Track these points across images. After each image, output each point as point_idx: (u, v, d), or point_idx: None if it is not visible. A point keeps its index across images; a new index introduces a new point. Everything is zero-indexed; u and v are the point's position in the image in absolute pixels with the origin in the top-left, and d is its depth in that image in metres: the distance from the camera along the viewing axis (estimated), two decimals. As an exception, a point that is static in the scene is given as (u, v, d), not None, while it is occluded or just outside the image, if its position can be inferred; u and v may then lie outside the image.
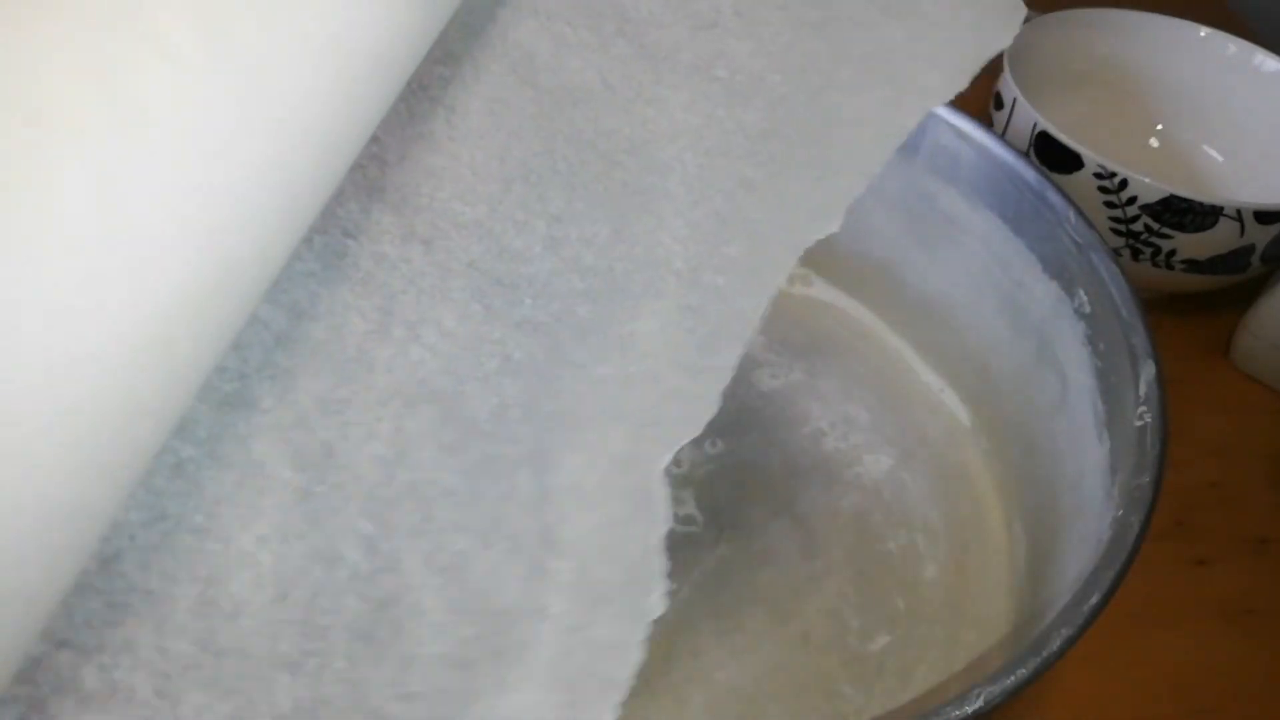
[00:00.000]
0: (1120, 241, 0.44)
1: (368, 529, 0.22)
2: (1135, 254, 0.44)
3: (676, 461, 0.38)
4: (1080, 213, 0.36)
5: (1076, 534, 0.32)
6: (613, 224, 0.27)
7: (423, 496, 0.22)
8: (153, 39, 0.18)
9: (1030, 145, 0.45)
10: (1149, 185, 0.42)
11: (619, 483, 0.23)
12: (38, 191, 0.16)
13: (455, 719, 0.19)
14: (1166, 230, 0.43)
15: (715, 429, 0.40)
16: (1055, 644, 0.26)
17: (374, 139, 0.27)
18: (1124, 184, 0.43)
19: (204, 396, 0.22)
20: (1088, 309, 0.35)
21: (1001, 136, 0.38)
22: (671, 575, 0.35)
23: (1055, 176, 0.40)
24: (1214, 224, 0.42)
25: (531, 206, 0.27)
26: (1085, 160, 0.43)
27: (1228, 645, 0.38)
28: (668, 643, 0.34)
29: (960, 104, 0.39)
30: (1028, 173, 0.37)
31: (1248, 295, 0.47)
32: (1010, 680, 0.26)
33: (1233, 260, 0.44)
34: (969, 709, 0.25)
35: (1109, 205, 0.43)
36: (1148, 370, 0.32)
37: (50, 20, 0.17)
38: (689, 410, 0.23)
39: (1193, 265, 0.44)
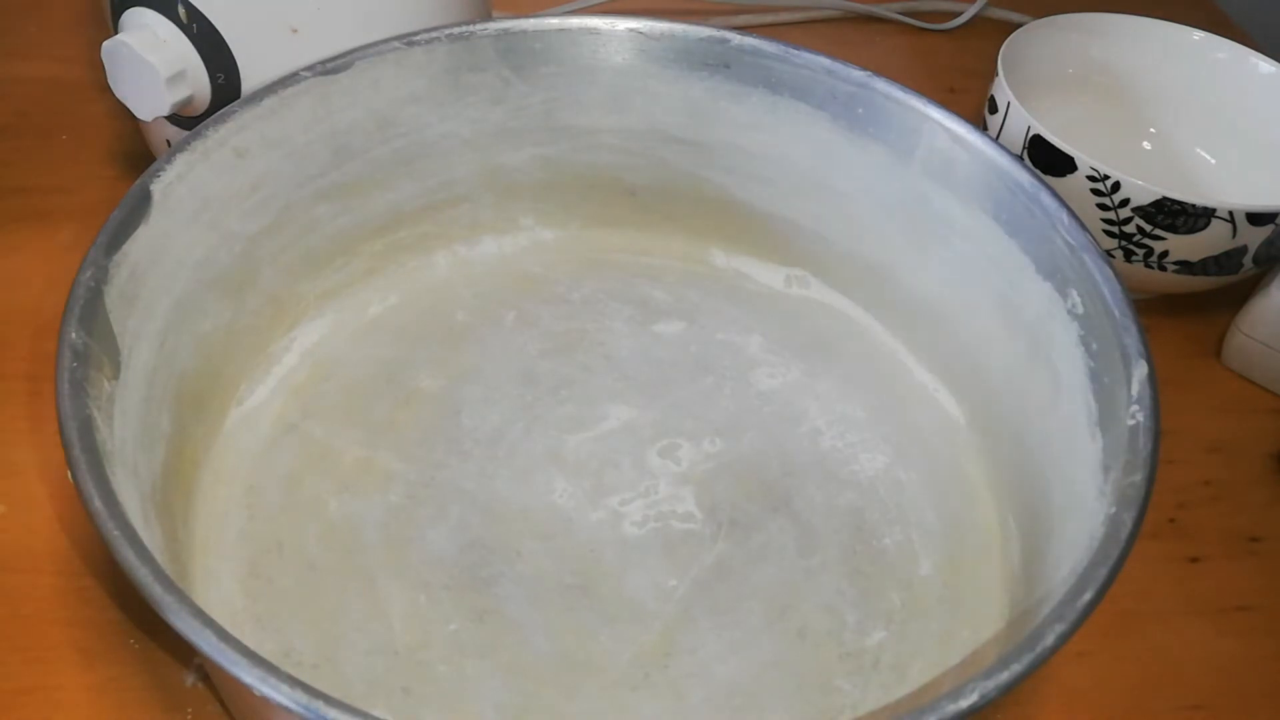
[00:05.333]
0: (1113, 243, 0.44)
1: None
2: (1128, 255, 0.45)
3: (676, 460, 0.39)
4: (1073, 215, 0.36)
5: (1069, 531, 0.32)
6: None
7: None
8: None
9: (1024, 148, 0.45)
10: (1142, 187, 0.43)
11: None
12: None
13: None
14: (1159, 232, 0.43)
15: (714, 428, 0.40)
16: (1049, 640, 0.27)
17: None
18: (1117, 186, 0.43)
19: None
20: (1080, 309, 0.35)
21: (996, 140, 0.39)
22: (670, 572, 0.36)
23: (1049, 179, 0.41)
24: (1206, 226, 0.43)
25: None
26: (1078, 163, 0.44)
27: (1220, 642, 0.39)
28: (667, 638, 0.34)
29: (955, 108, 0.39)
30: (1021, 175, 0.37)
31: (1239, 296, 0.47)
32: (1005, 675, 0.26)
33: (1225, 261, 0.44)
34: (964, 704, 0.25)
35: (1102, 207, 0.44)
36: (1140, 370, 0.32)
37: None
38: None
39: (1185, 266, 0.44)
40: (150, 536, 0.29)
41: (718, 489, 0.38)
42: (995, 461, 0.39)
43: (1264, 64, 0.51)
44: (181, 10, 0.40)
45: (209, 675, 0.34)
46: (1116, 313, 0.34)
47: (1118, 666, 0.38)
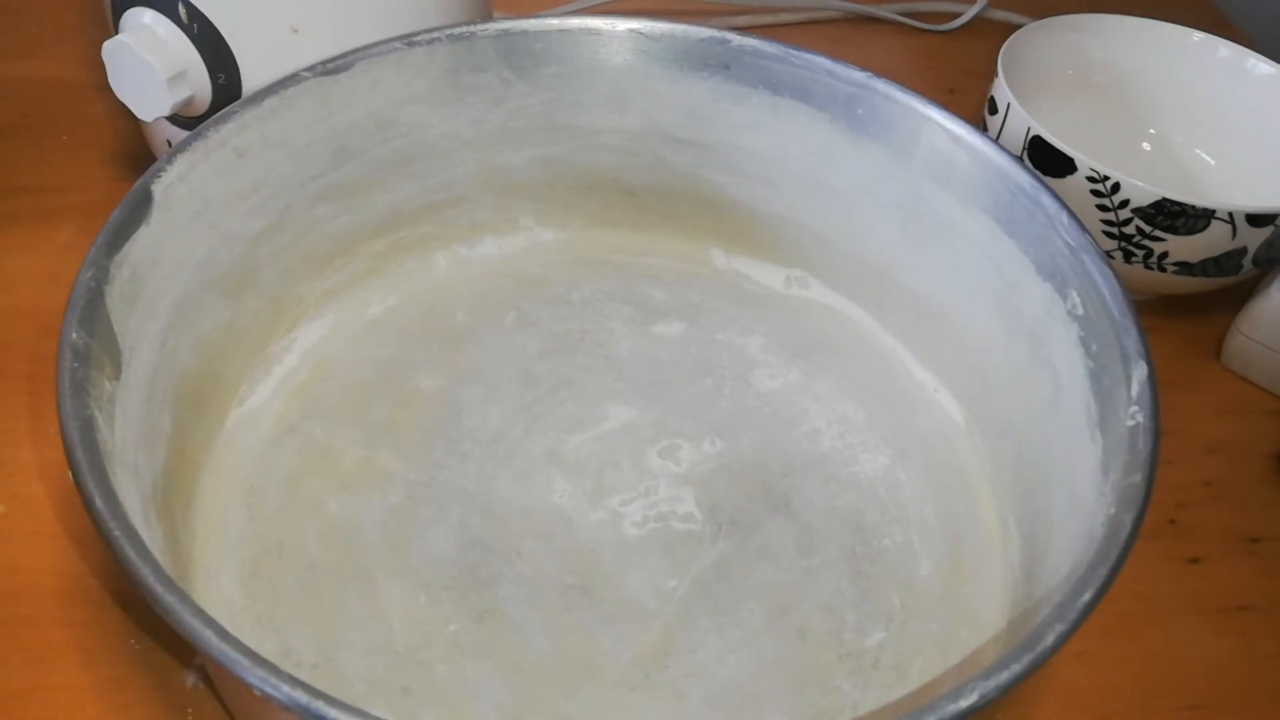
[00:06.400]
0: (1113, 244, 0.45)
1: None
2: (1127, 256, 0.45)
3: (676, 460, 0.39)
4: (1073, 215, 0.36)
5: (1069, 532, 0.32)
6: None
7: None
8: None
9: (1024, 149, 0.46)
10: (1141, 188, 0.43)
11: None
12: None
13: None
14: (1159, 233, 0.43)
15: (714, 428, 0.40)
16: (1049, 640, 0.27)
17: None
18: (1116, 187, 0.43)
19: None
20: (1080, 310, 0.35)
21: (995, 141, 0.39)
22: (670, 572, 0.36)
23: (1049, 180, 0.41)
24: (1206, 227, 0.43)
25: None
26: (1078, 164, 0.44)
27: (1220, 642, 0.39)
28: (667, 638, 0.34)
29: (955, 108, 0.39)
30: (1021, 176, 0.37)
31: (1239, 297, 0.47)
32: (1005, 675, 0.26)
33: (1225, 263, 0.44)
34: (964, 704, 0.25)
35: (1102, 208, 0.44)
36: (1139, 371, 0.32)
37: None
38: None
39: (1184, 267, 0.44)
40: (151, 536, 0.29)
41: (718, 489, 0.38)
42: (995, 461, 0.39)
43: (1263, 64, 0.51)
44: (182, 10, 0.40)
45: (209, 675, 0.34)
46: (1116, 314, 0.34)
47: (1117, 666, 0.38)
